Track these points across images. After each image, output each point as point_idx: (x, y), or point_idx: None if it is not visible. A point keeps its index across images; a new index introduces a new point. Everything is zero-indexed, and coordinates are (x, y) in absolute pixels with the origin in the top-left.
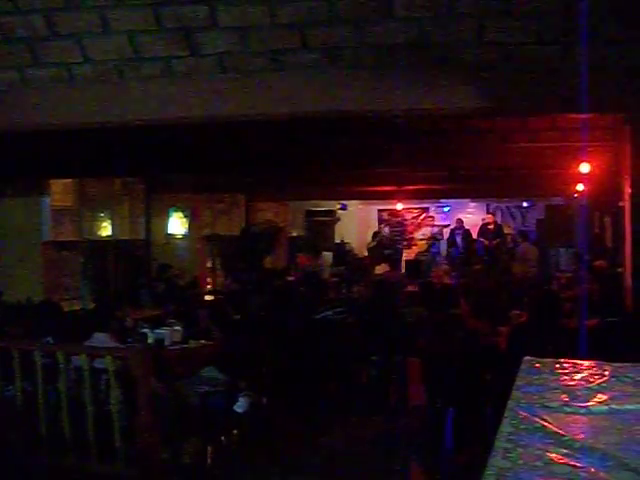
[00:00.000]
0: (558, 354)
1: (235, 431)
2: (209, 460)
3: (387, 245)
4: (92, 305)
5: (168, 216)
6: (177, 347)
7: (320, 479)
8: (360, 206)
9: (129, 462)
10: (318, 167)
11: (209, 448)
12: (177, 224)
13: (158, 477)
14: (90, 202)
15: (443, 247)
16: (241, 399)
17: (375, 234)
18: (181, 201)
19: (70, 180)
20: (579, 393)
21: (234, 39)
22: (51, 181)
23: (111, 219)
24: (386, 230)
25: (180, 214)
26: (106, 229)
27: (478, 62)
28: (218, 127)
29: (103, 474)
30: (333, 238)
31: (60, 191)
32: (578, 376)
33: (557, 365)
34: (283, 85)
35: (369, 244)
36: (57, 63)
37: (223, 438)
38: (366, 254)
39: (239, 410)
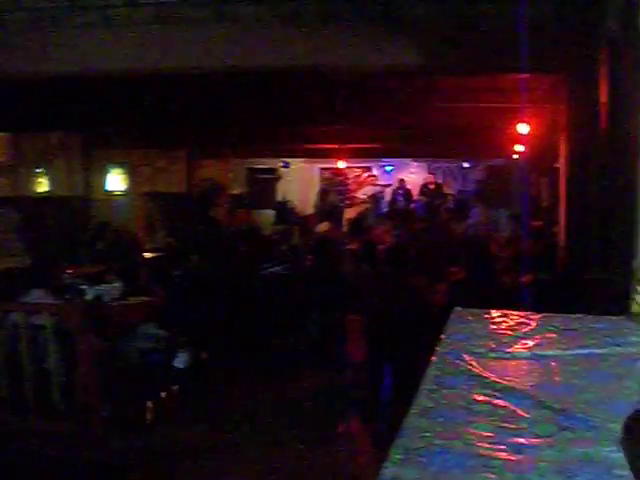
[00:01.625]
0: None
1: (175, 387)
2: (149, 416)
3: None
4: (29, 262)
5: (107, 172)
6: (116, 304)
7: (259, 435)
8: (302, 164)
9: (68, 418)
10: (259, 123)
11: (149, 404)
12: (116, 181)
13: (98, 433)
14: (26, 157)
15: (385, 206)
16: (181, 354)
17: (324, 192)
18: (120, 157)
19: (4, 135)
20: (504, 340)
21: None
22: None
23: (48, 175)
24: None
25: (119, 170)
26: (43, 185)
27: (420, 19)
28: (157, 79)
29: (42, 431)
30: (275, 196)
31: None
32: (505, 324)
33: (486, 315)
34: (223, 37)
35: (316, 203)
36: None
37: (163, 394)
38: (308, 213)
39: (179, 366)
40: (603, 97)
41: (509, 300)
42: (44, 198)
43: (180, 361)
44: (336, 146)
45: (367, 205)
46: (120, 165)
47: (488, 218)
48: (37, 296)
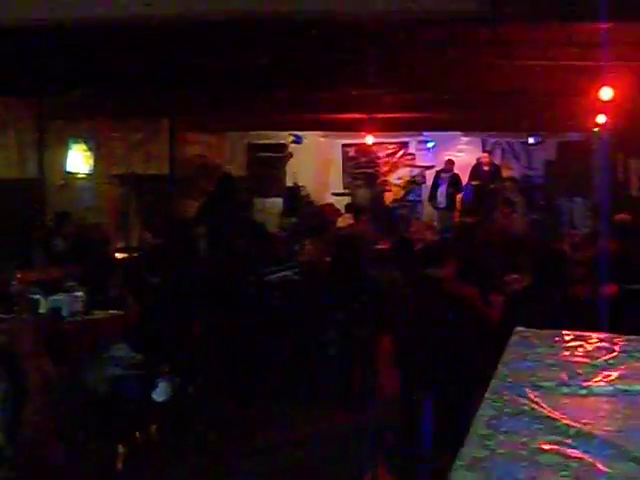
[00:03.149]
0: (564, 327)
1: (153, 426)
2: (119, 464)
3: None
4: None
5: (67, 149)
6: (78, 318)
7: None
8: (320, 139)
9: (14, 467)
10: (263, 85)
11: (120, 448)
12: (79, 159)
13: None
14: None
15: (425, 194)
16: (161, 385)
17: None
18: (85, 129)
19: None
20: (580, 370)
21: None
22: None
23: None
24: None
25: (83, 146)
26: None
27: None
28: (132, 29)
29: None
30: (284, 180)
31: None
32: (581, 350)
33: (557, 337)
34: None
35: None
36: None
37: (138, 434)
38: (327, 202)
39: (159, 399)
40: None
41: (586, 318)
42: None
43: (160, 393)
44: (363, 116)
45: (402, 192)
46: (84, 140)
47: (559, 210)
48: None
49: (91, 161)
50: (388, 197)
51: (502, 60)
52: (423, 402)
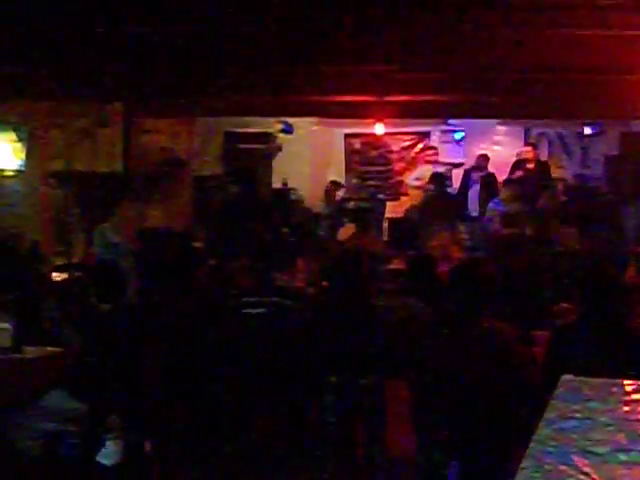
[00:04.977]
0: (624, 373)
1: None
2: None
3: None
4: None
5: None
6: (3, 357)
7: None
8: (315, 127)
9: None
10: (245, 59)
11: None
12: (6, 152)
13: None
14: None
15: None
16: (109, 444)
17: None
18: (14, 114)
19: None
20: None
21: None
22: None
23: None
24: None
25: (12, 135)
26: None
27: None
28: None
29: None
30: (270, 180)
31: None
32: None
33: (614, 388)
34: None
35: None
36: None
37: None
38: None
39: (105, 462)
40: None
41: None
42: None
43: (107, 455)
44: (372, 98)
45: (422, 197)
46: (13, 127)
47: (623, 221)
48: None
49: (22, 154)
50: (404, 202)
51: (550, 29)
52: (445, 468)
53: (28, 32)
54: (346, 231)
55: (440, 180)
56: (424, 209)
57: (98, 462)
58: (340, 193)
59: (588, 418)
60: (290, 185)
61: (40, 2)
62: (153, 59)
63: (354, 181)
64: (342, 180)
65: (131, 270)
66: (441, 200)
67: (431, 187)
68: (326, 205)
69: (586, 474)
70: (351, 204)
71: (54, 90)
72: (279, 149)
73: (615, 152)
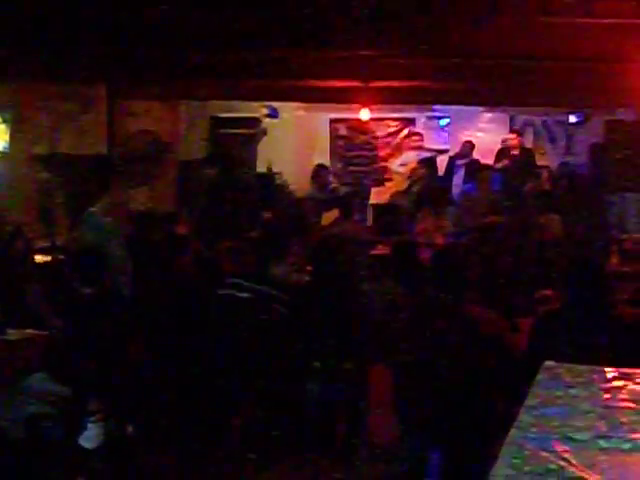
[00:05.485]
0: (608, 361)
1: (81, 479)
2: None
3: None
4: None
5: None
6: None
7: None
8: (301, 112)
9: None
10: (230, 43)
11: None
12: None
13: None
14: None
15: (436, 185)
16: (91, 426)
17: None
18: None
19: None
20: (624, 419)
21: None
22: None
23: None
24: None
25: None
26: None
27: None
28: None
29: None
30: (254, 164)
31: None
32: (626, 392)
33: (595, 375)
34: None
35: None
36: None
37: None
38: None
39: (87, 445)
40: None
41: (636, 349)
42: None
43: (89, 437)
44: (357, 84)
45: (406, 183)
46: None
47: (607, 209)
48: None
49: (6, 137)
50: (389, 188)
51: (535, 17)
52: (427, 455)
53: (11, 14)
54: (330, 216)
55: (431, 164)
56: (409, 194)
57: (79, 445)
58: (330, 177)
59: (569, 405)
60: (275, 170)
61: None
62: (136, 41)
63: (339, 166)
64: (327, 164)
65: (123, 254)
66: (427, 186)
67: (422, 171)
68: (314, 189)
69: (566, 460)
70: (335, 188)
71: (38, 72)
72: (264, 133)
73: (600, 140)
